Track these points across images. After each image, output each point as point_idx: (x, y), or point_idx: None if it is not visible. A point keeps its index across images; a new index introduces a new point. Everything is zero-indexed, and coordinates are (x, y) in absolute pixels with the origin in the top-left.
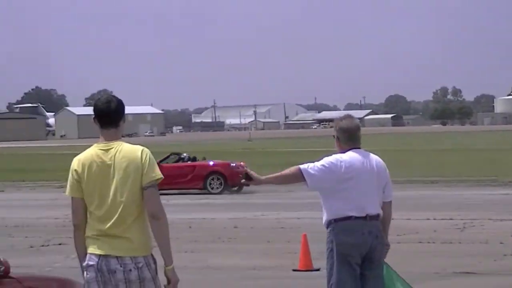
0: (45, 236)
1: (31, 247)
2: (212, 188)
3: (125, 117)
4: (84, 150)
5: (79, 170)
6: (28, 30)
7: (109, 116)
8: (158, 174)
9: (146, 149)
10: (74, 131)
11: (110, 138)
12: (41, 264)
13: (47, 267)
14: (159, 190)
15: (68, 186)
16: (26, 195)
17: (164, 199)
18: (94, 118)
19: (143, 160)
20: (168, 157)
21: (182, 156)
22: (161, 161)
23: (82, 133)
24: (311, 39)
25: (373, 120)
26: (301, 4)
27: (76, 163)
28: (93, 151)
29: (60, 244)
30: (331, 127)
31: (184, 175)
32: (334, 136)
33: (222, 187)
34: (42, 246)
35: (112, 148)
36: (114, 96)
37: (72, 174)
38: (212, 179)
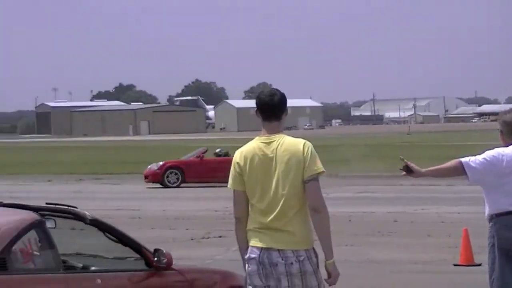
0: (206, 229)
1: (192, 239)
2: None
3: (287, 111)
4: (244, 143)
5: (241, 163)
6: (187, 24)
7: (272, 109)
8: (320, 167)
9: (307, 142)
10: (233, 124)
11: (272, 131)
12: (202, 256)
13: (208, 260)
14: (203, 181)
15: (230, 179)
16: (187, 188)
17: (324, 192)
18: (256, 111)
19: (305, 153)
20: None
21: (217, 151)
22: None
23: (241, 126)
24: (472, 31)
25: None
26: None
27: (238, 156)
28: (255, 144)
29: (220, 236)
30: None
31: (222, 169)
32: (498, 129)
33: None
34: (203, 238)
35: (274, 141)
36: (277, 90)
37: (234, 167)
38: None
